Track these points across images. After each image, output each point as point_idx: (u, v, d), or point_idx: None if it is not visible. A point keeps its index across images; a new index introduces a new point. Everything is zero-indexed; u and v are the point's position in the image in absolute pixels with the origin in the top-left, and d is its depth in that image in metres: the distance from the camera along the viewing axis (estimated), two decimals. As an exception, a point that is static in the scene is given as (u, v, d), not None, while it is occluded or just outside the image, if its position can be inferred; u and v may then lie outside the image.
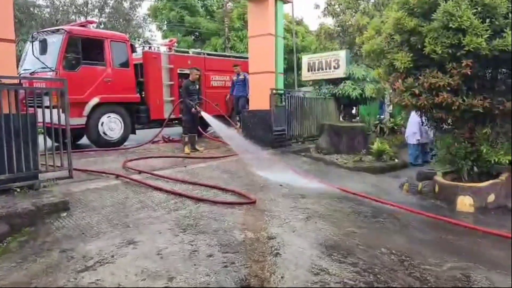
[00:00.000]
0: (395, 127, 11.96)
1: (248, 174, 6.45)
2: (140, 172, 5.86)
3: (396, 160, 8.38)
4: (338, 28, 16.28)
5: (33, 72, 7.65)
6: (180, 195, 4.93)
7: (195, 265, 3.19)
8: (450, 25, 4.44)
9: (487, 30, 4.32)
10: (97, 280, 2.89)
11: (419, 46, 4.81)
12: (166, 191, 5.03)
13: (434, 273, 3.12)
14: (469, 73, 4.48)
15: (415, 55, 4.90)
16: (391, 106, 15.47)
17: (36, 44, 7.51)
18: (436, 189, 5.29)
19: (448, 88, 4.63)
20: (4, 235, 3.62)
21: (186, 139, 7.99)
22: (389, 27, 5.22)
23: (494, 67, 4.85)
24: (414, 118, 8.18)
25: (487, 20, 4.39)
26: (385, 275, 3.08)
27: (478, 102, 4.57)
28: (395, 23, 5.01)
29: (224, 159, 7.31)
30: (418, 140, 8.32)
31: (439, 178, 5.37)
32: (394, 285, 2.92)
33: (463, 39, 4.37)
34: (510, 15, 4.43)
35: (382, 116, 15.11)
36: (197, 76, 8.02)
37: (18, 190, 4.34)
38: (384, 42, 5.33)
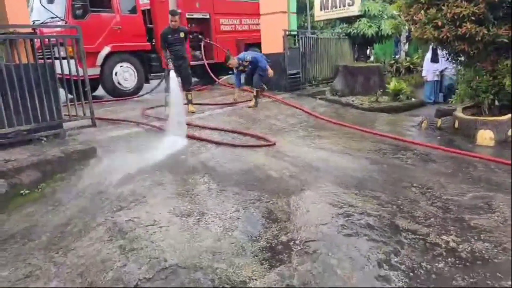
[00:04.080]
0: (411, 66, 11.66)
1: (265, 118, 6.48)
2: (159, 119, 5.94)
3: (413, 99, 8.27)
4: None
5: (42, 23, 7.52)
6: (201, 139, 5.02)
7: (223, 202, 3.34)
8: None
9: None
10: (134, 217, 3.07)
11: (443, -26, 4.55)
12: (188, 136, 5.12)
13: (456, 202, 3.21)
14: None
15: (438, -16, 4.65)
16: (406, 45, 14.97)
17: (43, -8, 7.31)
18: (456, 124, 5.26)
19: (473, 18, 4.43)
20: (38, 181, 3.79)
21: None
22: (410, -46, 4.91)
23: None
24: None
25: None
26: (408, 206, 3.19)
27: (504, 31, 4.39)
28: (417, -50, 4.71)
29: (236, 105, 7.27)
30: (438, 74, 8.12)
31: (458, 113, 5.32)
32: (417, 214, 3.02)
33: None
34: None
35: (397, 56, 14.68)
36: (173, 22, 6.14)
37: (45, 139, 4.47)
38: (405, -29, 5.05)
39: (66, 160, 4.06)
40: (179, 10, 7.46)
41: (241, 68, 7.13)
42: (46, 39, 4.67)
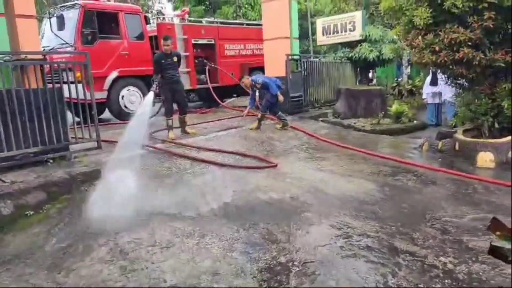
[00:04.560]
0: (414, 89, 11.78)
1: (268, 140, 6.56)
2: (163, 141, 6.05)
3: (415, 122, 8.33)
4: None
5: (52, 49, 7.79)
6: (204, 161, 5.10)
7: (223, 224, 3.38)
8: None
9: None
10: (135, 238, 3.11)
11: (439, 1, 4.70)
12: (190, 158, 5.20)
13: (455, 224, 3.23)
14: (491, 26, 4.38)
15: (434, 11, 4.80)
16: (408, 68, 15.18)
17: (53, 20, 7.60)
18: (457, 146, 5.30)
19: (469, 43, 4.55)
20: (43, 202, 3.87)
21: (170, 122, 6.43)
22: (407, -17, 5.09)
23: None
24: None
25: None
26: (407, 227, 3.20)
27: (500, 56, 4.49)
28: (413, -22, 4.89)
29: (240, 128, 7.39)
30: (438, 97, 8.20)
31: (459, 135, 5.37)
32: (415, 236, 3.04)
33: (485, -9, 4.26)
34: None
35: (399, 79, 14.86)
36: (166, 46, 6.14)
37: (51, 161, 4.58)
38: (403, -2, 5.22)
39: (71, 182, 4.15)
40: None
41: (254, 89, 7.26)
42: (56, 65, 4.85)
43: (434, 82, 8.08)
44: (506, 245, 0.96)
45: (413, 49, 5.27)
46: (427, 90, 8.47)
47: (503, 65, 4.56)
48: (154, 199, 3.92)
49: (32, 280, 2.61)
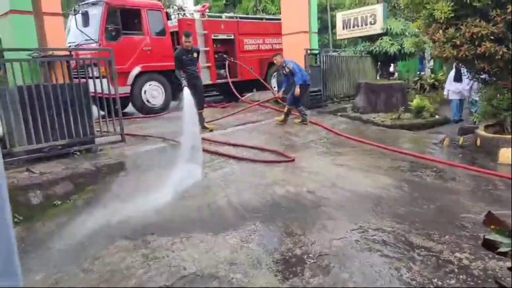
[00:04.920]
0: (436, 83, 11.56)
1: (285, 135, 6.62)
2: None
3: (437, 117, 8.20)
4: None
5: (77, 45, 8.04)
6: (223, 155, 5.20)
7: (242, 217, 3.47)
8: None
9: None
10: (156, 229, 3.25)
11: (460, -6, 4.63)
12: (209, 152, 5.32)
13: (472, 220, 3.21)
14: (515, 19, 4.29)
15: (455, 4, 4.71)
16: (431, 62, 14.86)
17: (78, 16, 7.84)
18: (478, 142, 5.22)
19: (492, 37, 4.46)
20: (70, 193, 4.05)
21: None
22: (428, -25, 5.02)
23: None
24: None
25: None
26: (423, 223, 3.22)
27: (524, 50, 4.40)
28: (434, -30, 4.82)
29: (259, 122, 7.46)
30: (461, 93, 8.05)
31: (480, 131, 5.28)
32: (432, 231, 3.05)
33: (509, -16, 4.16)
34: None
35: (422, 72, 14.58)
36: (187, 43, 6.32)
37: (78, 153, 4.77)
38: (423, -9, 5.14)
39: (97, 174, 4.32)
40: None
41: (282, 71, 7.41)
42: (81, 61, 5.03)
43: (457, 79, 7.92)
44: (499, 238, 1.00)
45: (434, 43, 5.20)
46: (449, 87, 8.31)
47: (527, 59, 4.47)
48: (171, 190, 4.05)
49: (60, 267, 2.77)
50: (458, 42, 4.71)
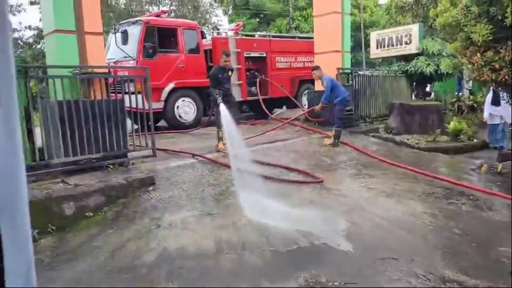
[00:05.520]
0: (475, 105, 11.12)
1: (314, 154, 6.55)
2: (218, 150, 6.26)
3: (475, 140, 7.86)
4: (411, 0, 15.31)
5: (116, 61, 8.42)
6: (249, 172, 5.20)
7: (267, 237, 3.44)
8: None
9: None
10: (182, 245, 3.28)
11: (499, 17, 4.47)
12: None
13: (510, 254, 3.03)
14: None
15: (494, 27, 4.56)
16: (470, 82, 14.32)
17: (118, 35, 8.23)
18: (518, 170, 4.96)
19: (534, 61, 4.28)
20: (102, 205, 4.19)
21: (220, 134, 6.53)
22: (466, -3, 4.90)
23: None
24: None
25: None
26: (457, 254, 3.06)
27: None
28: (472, -7, 4.70)
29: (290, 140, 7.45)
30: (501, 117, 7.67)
31: (522, 158, 5.02)
32: (466, 264, 2.90)
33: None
34: None
35: (460, 93, 14.08)
36: (227, 62, 6.45)
37: (111, 167, 4.93)
38: (460, 14, 5.01)
39: (128, 187, 4.45)
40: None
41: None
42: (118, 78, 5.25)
43: (495, 102, 7.58)
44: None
45: (472, 66, 5.04)
46: (487, 109, 7.96)
47: None
48: (196, 208, 4.08)
49: (90, 277, 2.85)
50: (497, 66, 4.54)
